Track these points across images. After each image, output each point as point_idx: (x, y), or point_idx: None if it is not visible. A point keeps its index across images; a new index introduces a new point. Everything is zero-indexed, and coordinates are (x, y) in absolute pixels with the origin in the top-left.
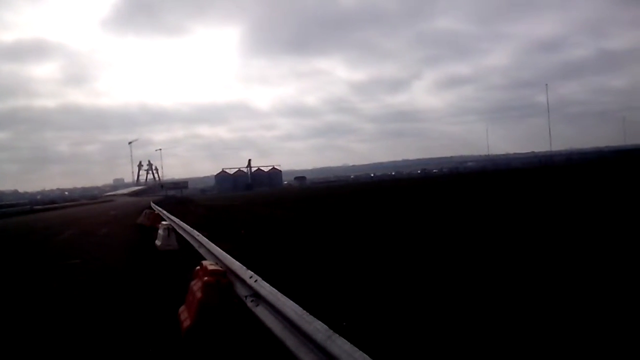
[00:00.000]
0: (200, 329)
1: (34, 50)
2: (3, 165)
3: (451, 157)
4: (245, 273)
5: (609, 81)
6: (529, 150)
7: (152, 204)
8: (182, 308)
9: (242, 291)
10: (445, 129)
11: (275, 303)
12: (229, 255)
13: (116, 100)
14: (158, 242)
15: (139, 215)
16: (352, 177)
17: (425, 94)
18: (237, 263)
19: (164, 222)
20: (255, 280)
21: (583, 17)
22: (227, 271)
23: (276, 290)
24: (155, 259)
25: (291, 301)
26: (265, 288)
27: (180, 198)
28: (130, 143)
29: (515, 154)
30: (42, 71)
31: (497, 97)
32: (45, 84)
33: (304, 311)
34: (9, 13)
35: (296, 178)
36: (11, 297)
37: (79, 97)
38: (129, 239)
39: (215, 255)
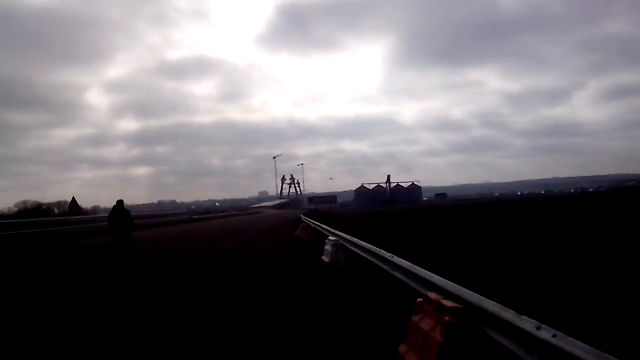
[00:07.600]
0: None
1: (196, 68)
2: (164, 177)
3: (607, 175)
4: (522, 322)
5: None
6: None
7: (303, 217)
8: (403, 348)
9: (503, 341)
10: (604, 145)
11: None
12: (465, 289)
13: (266, 115)
14: (326, 259)
15: (287, 227)
16: (496, 194)
17: (586, 106)
18: (489, 301)
19: (331, 238)
20: (554, 335)
21: None
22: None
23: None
24: (328, 277)
25: None
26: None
27: (324, 212)
28: (274, 158)
29: None
30: (201, 88)
31: None
32: (203, 101)
33: None
34: (176, 32)
35: (437, 195)
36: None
37: (232, 113)
38: (291, 253)
39: (438, 286)
